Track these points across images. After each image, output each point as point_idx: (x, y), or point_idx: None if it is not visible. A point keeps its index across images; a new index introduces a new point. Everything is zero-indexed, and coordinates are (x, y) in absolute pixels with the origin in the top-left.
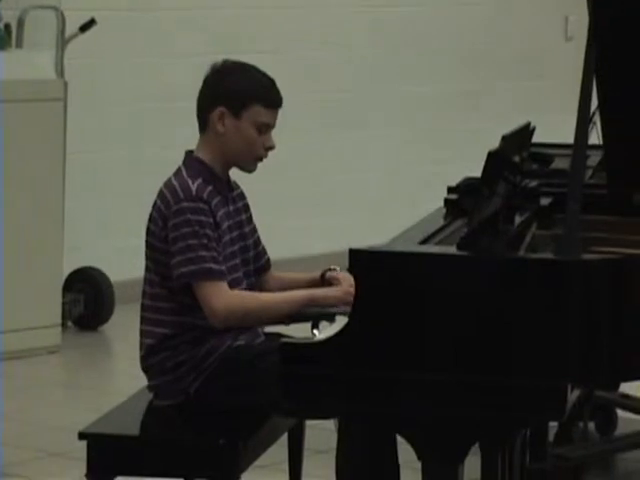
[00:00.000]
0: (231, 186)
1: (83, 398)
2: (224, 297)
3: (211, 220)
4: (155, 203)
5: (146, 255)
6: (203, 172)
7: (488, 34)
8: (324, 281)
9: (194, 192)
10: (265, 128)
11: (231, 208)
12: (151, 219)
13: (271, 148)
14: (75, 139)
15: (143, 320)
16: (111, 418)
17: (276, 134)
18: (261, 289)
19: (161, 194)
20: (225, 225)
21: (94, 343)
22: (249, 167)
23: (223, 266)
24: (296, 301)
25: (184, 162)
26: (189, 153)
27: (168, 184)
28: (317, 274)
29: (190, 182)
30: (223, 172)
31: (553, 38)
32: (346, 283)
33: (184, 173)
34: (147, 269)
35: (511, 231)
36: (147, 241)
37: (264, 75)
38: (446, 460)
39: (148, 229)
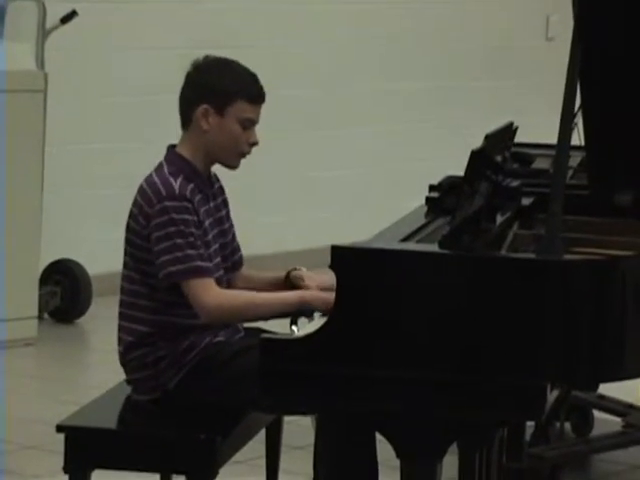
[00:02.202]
0: (212, 182)
1: (59, 391)
2: (214, 294)
3: (195, 218)
4: (135, 200)
5: (125, 252)
6: (185, 169)
7: (469, 33)
8: (287, 281)
9: (177, 190)
10: (249, 124)
11: (212, 205)
12: (131, 216)
13: (255, 144)
14: (55, 131)
15: (122, 316)
16: (89, 411)
17: (257, 130)
18: (229, 286)
19: (142, 191)
20: (207, 223)
21: (71, 336)
22: (233, 163)
23: (210, 263)
24: (285, 303)
25: (166, 157)
26: (171, 148)
27: (149, 180)
28: (282, 274)
29: (172, 180)
30: (205, 169)
31: (534, 38)
32: (312, 282)
33: (165, 170)
34: (126, 266)
35: (493, 230)
36: (127, 238)
37: (246, 70)
38: (424, 458)
39: (128, 225)
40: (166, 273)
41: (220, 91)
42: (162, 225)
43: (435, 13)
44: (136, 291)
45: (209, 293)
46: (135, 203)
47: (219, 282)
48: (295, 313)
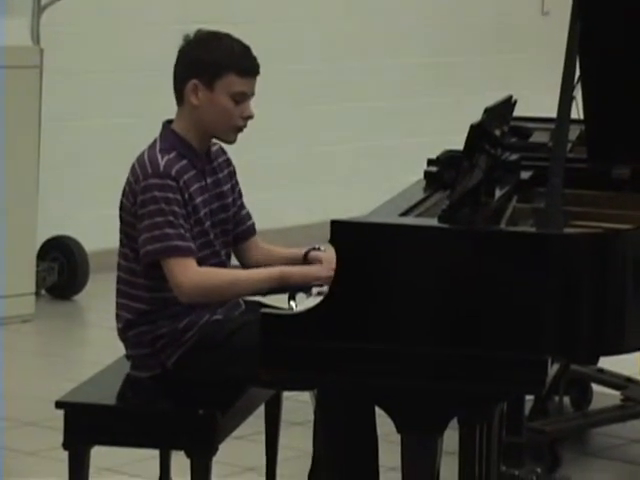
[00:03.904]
0: (210, 158)
1: (56, 367)
2: (189, 273)
3: (179, 197)
4: (127, 177)
5: (120, 229)
6: (178, 146)
7: (464, 7)
8: (306, 261)
9: (162, 168)
10: (241, 97)
11: (208, 181)
12: (123, 193)
13: (249, 117)
14: (51, 107)
15: (119, 293)
16: (88, 387)
17: (257, 105)
18: (243, 257)
19: (133, 168)
20: (199, 200)
21: (68, 312)
22: (228, 138)
23: (191, 242)
24: (266, 279)
25: (160, 134)
26: (167, 124)
27: (140, 158)
28: (301, 252)
29: (160, 157)
30: (201, 144)
31: (529, 12)
32: (327, 265)
33: (157, 147)
34: (121, 243)
35: (492, 204)
36: (120, 215)
37: (238, 43)
38: (425, 433)
39: (121, 203)
40: (144, 252)
41: (209, 65)
42: (145, 203)
43: None
44: (132, 269)
45: (185, 273)
46: (127, 180)
47: (213, 256)
48: (292, 288)
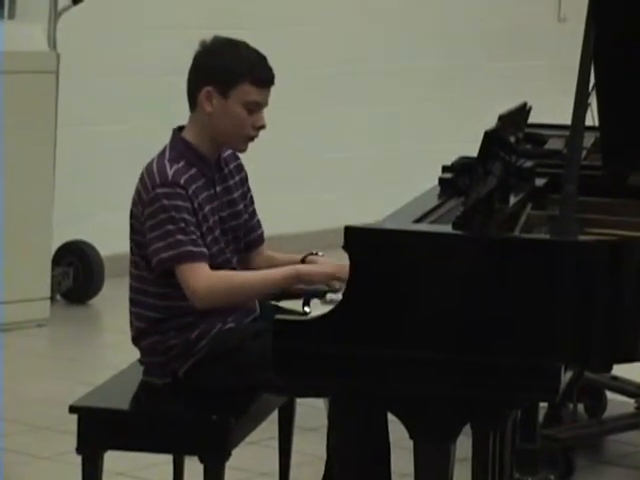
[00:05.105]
0: (220, 165)
1: (71, 372)
2: (204, 277)
3: (188, 205)
4: (137, 186)
5: (130, 238)
6: (187, 154)
7: (481, 13)
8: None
9: (170, 177)
10: (255, 107)
11: (218, 189)
12: (133, 202)
13: (262, 127)
14: (67, 112)
15: (132, 302)
16: (102, 392)
17: (270, 110)
18: (248, 264)
19: (142, 178)
20: (207, 208)
21: (83, 317)
22: (239, 147)
23: (203, 247)
24: (281, 278)
25: (170, 142)
26: (177, 131)
27: (148, 168)
28: (299, 257)
29: (168, 167)
30: (211, 152)
31: (546, 19)
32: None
33: (166, 155)
34: (132, 252)
35: (506, 211)
36: (130, 224)
37: (254, 52)
38: (438, 439)
39: (131, 212)
40: (158, 260)
41: (224, 73)
42: (154, 213)
43: None
44: (143, 277)
45: (200, 277)
46: (136, 189)
47: (225, 264)
48: (307, 294)
